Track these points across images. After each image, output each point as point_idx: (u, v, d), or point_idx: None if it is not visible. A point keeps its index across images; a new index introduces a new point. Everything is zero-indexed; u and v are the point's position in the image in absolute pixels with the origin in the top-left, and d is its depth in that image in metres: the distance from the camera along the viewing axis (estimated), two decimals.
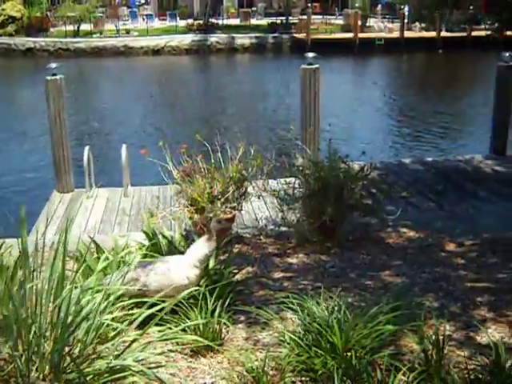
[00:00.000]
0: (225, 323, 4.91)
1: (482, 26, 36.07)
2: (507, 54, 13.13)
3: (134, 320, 4.14)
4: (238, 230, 8.82)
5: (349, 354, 3.98)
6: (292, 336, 4.27)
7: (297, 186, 8.18)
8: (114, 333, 3.91)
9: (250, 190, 8.51)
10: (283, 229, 8.40)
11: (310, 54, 11.48)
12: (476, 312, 5.57)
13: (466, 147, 19.26)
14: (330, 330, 4.08)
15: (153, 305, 4.12)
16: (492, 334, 5.10)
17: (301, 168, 8.15)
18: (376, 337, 4.16)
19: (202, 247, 5.21)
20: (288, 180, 8.42)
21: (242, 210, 8.57)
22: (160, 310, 4.05)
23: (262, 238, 8.47)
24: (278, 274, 6.71)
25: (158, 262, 5.28)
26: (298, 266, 7.01)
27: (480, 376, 4.10)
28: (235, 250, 7.96)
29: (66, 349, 3.67)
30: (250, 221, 9.34)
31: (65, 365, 3.54)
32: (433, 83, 35.10)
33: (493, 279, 6.51)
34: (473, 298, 5.91)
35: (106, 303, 3.83)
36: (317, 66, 11.39)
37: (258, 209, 9.80)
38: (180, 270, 5.10)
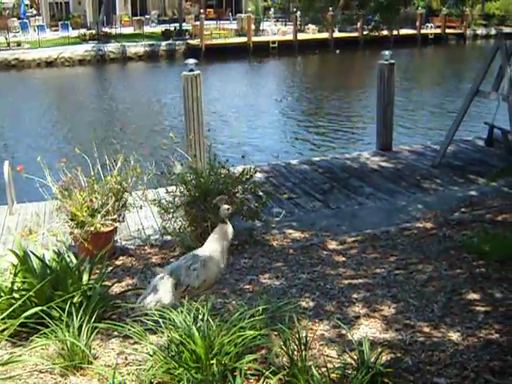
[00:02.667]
0: (93, 339, 4.80)
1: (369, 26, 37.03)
2: (387, 52, 13.42)
3: None
4: (122, 241, 8.70)
5: (212, 361, 3.93)
6: (155, 348, 4.19)
7: (178, 193, 8.12)
8: None
9: (130, 200, 8.38)
10: (168, 238, 8.32)
11: (191, 61, 11.42)
12: (350, 309, 5.64)
13: (358, 145, 19.59)
14: (191, 339, 4.03)
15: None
16: (364, 330, 5.17)
17: (180, 175, 8.09)
18: (240, 342, 4.13)
19: (223, 232, 5.46)
20: (170, 188, 8.35)
21: (123, 221, 8.45)
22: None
23: (146, 248, 8.40)
24: None
25: (186, 260, 5.38)
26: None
27: (345, 373, 4.13)
28: (119, 263, 7.87)
29: None
30: (136, 231, 9.18)
31: None
32: (325, 83, 35.62)
33: (370, 275, 6.60)
34: (349, 296, 5.98)
35: None
36: (198, 72, 11.35)
37: (145, 218, 9.66)
38: (216, 257, 5.34)
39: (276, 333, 4.50)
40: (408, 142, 17.39)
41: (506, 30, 51.71)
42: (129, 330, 4.55)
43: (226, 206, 5.64)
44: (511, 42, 11.42)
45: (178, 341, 4.08)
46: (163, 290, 5.17)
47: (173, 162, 8.37)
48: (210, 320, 4.27)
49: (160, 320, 4.36)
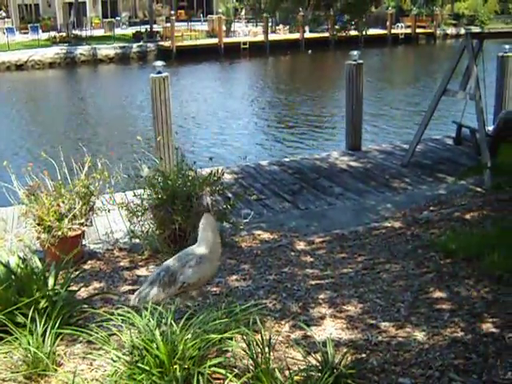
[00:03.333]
0: (58, 345, 4.76)
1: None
2: (355, 53, 13.45)
3: None
4: (90, 245, 8.63)
5: (175, 366, 3.91)
6: (118, 354, 4.16)
7: (146, 196, 8.07)
8: None
9: (98, 204, 8.32)
10: (137, 241, 8.26)
11: (159, 63, 11.40)
12: (316, 310, 5.63)
13: (328, 145, 19.57)
14: (154, 343, 4.01)
15: None
16: (329, 330, 5.16)
17: (148, 178, 8.05)
18: (204, 346, 4.12)
19: (209, 223, 5.39)
20: (138, 191, 8.29)
21: (91, 225, 8.38)
22: None
23: (115, 251, 8.34)
24: (124, 288, 6.59)
25: (182, 257, 5.33)
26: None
27: (309, 375, 4.12)
28: (87, 267, 7.80)
29: None
30: (104, 235, 9.09)
31: None
32: (296, 84, 35.68)
33: (337, 275, 6.61)
34: (315, 296, 5.97)
35: None
36: (166, 74, 11.32)
37: (114, 222, 9.58)
38: (212, 253, 5.31)
39: (240, 335, 4.48)
40: (377, 141, 17.47)
41: (475, 29, 52.20)
42: (92, 336, 4.51)
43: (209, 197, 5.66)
44: (477, 41, 11.51)
45: (141, 346, 4.05)
46: (159, 287, 5.16)
47: (140, 164, 8.32)
48: (174, 324, 4.25)
49: (123, 325, 4.33)
